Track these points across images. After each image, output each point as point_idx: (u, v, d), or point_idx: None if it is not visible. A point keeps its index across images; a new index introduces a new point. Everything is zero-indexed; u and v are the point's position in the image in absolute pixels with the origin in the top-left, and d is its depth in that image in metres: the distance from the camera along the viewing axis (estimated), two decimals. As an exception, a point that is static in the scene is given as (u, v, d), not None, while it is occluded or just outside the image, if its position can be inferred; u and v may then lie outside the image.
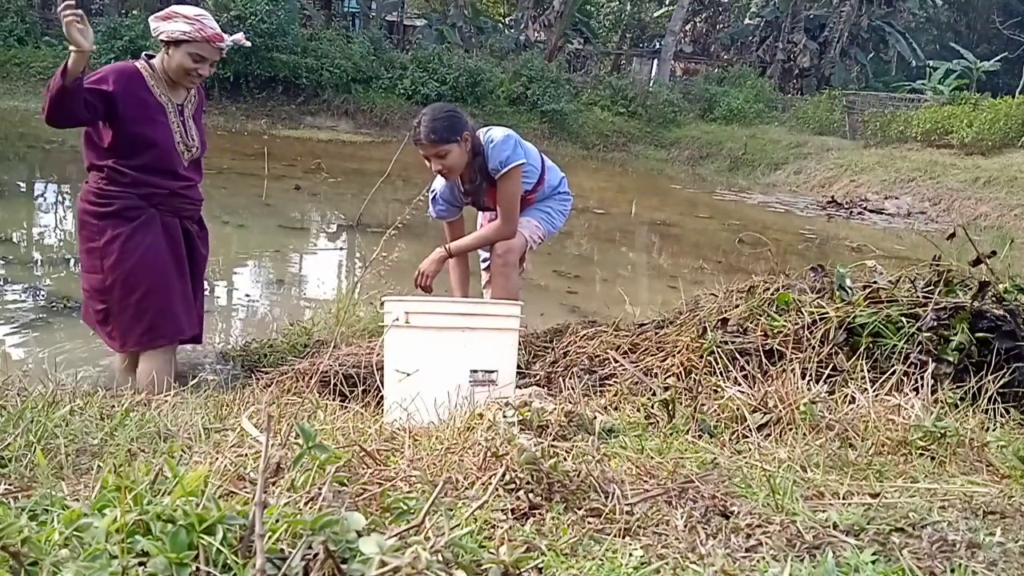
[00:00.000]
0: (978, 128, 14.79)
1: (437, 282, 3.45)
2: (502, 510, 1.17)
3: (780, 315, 2.48)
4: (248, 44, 2.96)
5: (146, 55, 2.82)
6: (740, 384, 1.96)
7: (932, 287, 2.45)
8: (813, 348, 2.23)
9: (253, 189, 8.47)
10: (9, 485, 1.21)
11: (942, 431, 1.67)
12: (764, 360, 2.32)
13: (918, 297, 2.37)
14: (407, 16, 24.95)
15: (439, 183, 3.23)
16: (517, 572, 0.94)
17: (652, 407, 1.90)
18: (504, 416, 1.61)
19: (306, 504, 1.04)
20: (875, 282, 2.47)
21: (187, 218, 2.88)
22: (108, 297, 2.74)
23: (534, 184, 3.22)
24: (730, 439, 1.70)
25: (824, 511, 1.24)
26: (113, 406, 1.85)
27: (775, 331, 2.42)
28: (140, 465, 1.33)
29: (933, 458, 1.61)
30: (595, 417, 1.72)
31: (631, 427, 1.78)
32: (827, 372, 2.15)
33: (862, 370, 2.10)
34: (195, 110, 2.92)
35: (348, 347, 2.91)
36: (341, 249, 7.01)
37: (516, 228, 3.11)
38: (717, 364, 2.28)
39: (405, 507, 1.11)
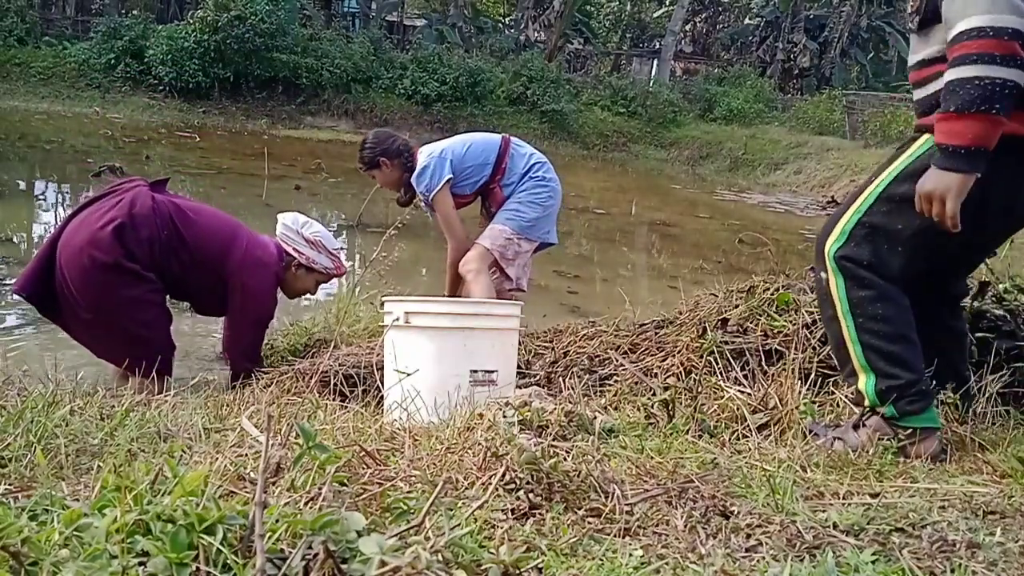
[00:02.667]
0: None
1: (440, 284, 3.50)
2: (502, 510, 1.17)
3: (780, 315, 2.47)
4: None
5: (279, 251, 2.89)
6: (740, 384, 1.96)
7: (932, 287, 2.45)
8: (813, 348, 2.23)
9: (253, 189, 8.47)
10: (9, 485, 1.21)
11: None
12: (764, 360, 2.32)
13: (918, 297, 2.37)
14: (407, 16, 24.95)
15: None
16: (517, 572, 0.94)
17: (652, 407, 1.90)
18: (504, 416, 1.61)
19: (306, 504, 1.04)
20: (875, 282, 2.46)
21: None
22: (94, 318, 2.58)
23: (491, 175, 3.33)
24: (730, 439, 1.70)
25: (824, 511, 1.24)
26: (113, 406, 1.85)
27: (775, 331, 2.42)
28: (140, 465, 1.33)
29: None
30: (595, 417, 1.72)
31: (631, 427, 1.78)
32: (827, 372, 2.15)
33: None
34: None
35: (348, 347, 2.91)
36: (341, 249, 7.01)
37: (462, 242, 3.32)
38: (717, 364, 2.28)
39: (405, 507, 1.11)
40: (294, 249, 2.88)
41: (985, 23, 1.54)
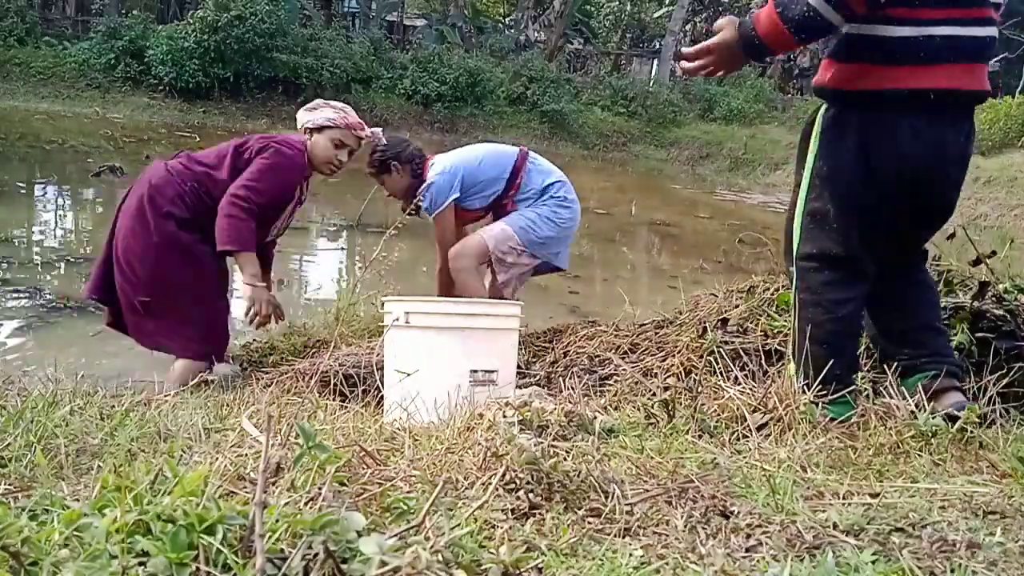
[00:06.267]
0: (978, 128, 14.79)
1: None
2: (502, 510, 1.17)
3: (780, 315, 2.47)
4: (383, 140, 3.20)
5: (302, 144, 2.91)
6: (740, 384, 1.96)
7: (932, 287, 2.44)
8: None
9: (253, 189, 8.44)
10: (9, 485, 1.21)
11: (934, 429, 1.67)
12: (764, 360, 2.32)
13: (918, 297, 2.37)
14: (407, 16, 24.94)
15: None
16: (517, 572, 0.94)
17: (652, 407, 1.90)
18: (504, 416, 1.61)
19: (306, 504, 1.04)
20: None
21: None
22: (153, 294, 2.71)
23: (504, 190, 3.26)
24: (730, 439, 1.70)
25: (824, 511, 1.24)
26: (113, 406, 1.85)
27: (775, 331, 2.42)
28: (140, 465, 1.33)
29: (931, 456, 1.61)
30: (595, 417, 1.72)
31: (631, 427, 1.78)
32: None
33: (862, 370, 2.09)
34: (306, 196, 3.06)
35: (348, 347, 2.91)
36: (341, 249, 7.01)
37: (443, 261, 3.31)
38: (717, 364, 2.28)
39: (405, 507, 1.11)
40: (303, 127, 2.92)
41: None
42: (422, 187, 3.20)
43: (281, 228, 3.05)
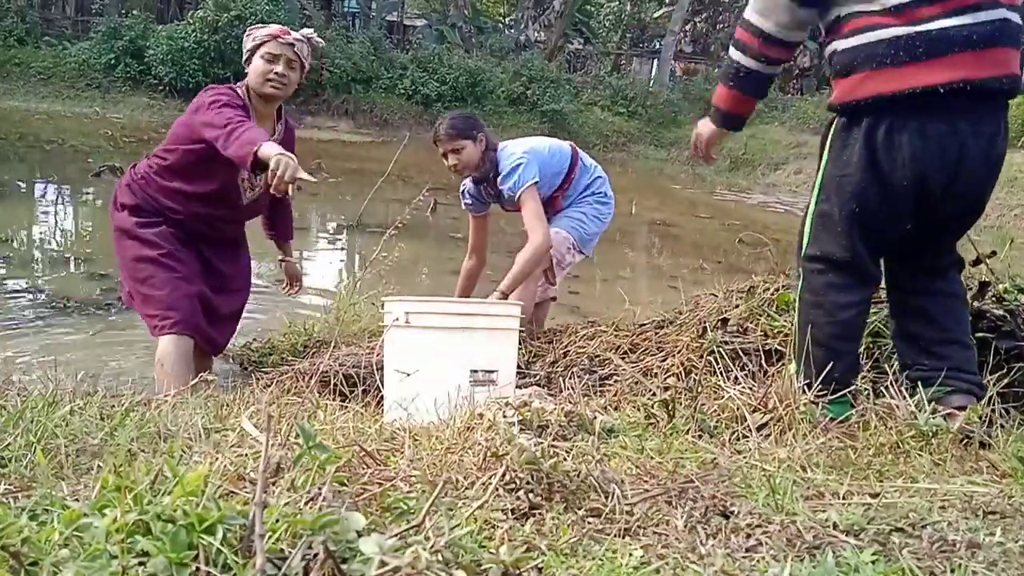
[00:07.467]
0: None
1: (440, 284, 3.49)
2: (502, 510, 1.17)
3: (780, 315, 2.47)
4: (321, 42, 3.03)
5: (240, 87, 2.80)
6: (740, 384, 1.96)
7: (932, 287, 2.44)
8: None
9: (253, 189, 8.44)
10: (9, 485, 1.21)
11: (935, 429, 1.67)
12: (764, 360, 2.32)
13: (918, 297, 2.36)
14: (407, 16, 24.92)
15: (470, 179, 3.34)
16: (517, 572, 0.94)
17: (652, 407, 1.90)
18: (504, 416, 1.61)
19: (306, 504, 1.04)
20: (875, 282, 2.46)
21: (203, 243, 2.87)
22: (126, 279, 2.80)
23: (559, 184, 3.27)
24: (730, 439, 1.70)
25: (824, 511, 1.24)
26: (113, 406, 1.85)
27: (775, 331, 2.42)
28: (140, 465, 1.33)
29: (931, 456, 1.61)
30: (595, 417, 1.72)
31: (631, 427, 1.78)
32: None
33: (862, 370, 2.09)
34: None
35: (348, 347, 2.91)
36: (341, 249, 7.01)
37: (547, 235, 3.10)
38: (717, 364, 2.28)
39: (405, 507, 1.11)
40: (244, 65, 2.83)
41: (746, 15, 1.96)
42: (510, 166, 3.11)
43: (251, 182, 2.83)
